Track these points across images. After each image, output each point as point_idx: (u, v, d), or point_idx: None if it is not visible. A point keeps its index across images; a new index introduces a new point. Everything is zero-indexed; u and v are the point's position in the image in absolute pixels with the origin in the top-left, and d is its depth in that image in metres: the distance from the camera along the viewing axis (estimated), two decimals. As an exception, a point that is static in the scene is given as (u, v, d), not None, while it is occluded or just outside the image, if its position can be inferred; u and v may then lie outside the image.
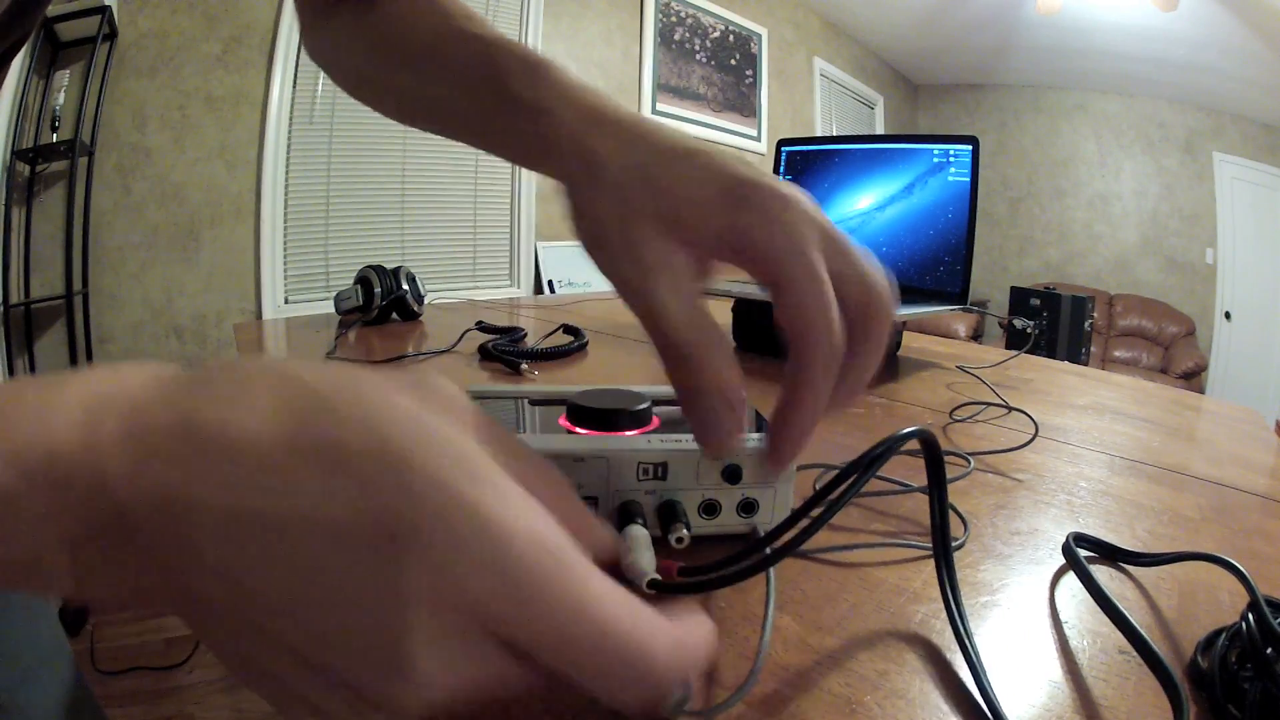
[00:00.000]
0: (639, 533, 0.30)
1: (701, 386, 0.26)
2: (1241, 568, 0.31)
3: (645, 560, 0.28)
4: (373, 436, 0.16)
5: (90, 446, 0.16)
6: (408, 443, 0.16)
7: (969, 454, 0.51)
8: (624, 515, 0.31)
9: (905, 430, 0.26)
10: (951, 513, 0.37)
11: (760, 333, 0.86)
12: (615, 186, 0.27)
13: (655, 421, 0.35)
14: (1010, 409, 0.67)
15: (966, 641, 0.26)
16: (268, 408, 0.16)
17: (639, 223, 0.26)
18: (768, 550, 0.26)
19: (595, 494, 0.32)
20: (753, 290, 0.84)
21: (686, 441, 0.32)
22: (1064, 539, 0.36)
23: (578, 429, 0.34)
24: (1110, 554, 0.36)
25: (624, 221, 0.27)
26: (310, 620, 0.15)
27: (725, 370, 0.26)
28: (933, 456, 0.28)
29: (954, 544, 0.35)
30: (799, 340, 0.26)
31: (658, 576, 0.27)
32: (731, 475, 0.32)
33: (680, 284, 0.26)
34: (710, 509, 0.32)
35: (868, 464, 0.26)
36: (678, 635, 0.17)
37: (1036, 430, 0.59)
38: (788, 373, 0.27)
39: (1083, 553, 0.35)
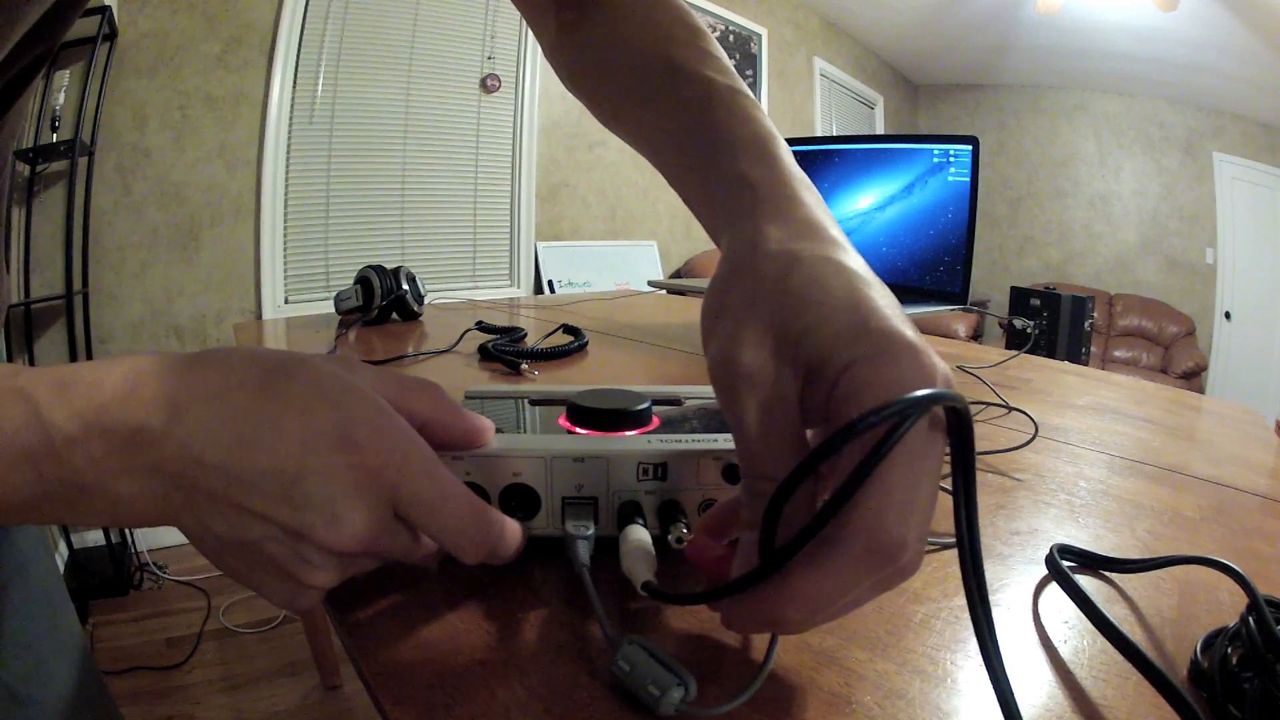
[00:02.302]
0: (639, 533, 0.30)
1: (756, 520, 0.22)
2: (1237, 568, 0.31)
3: (642, 565, 0.28)
4: (323, 390, 0.24)
5: (130, 410, 0.22)
6: (339, 393, 0.25)
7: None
8: (624, 515, 0.31)
9: (918, 395, 0.20)
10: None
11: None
12: (756, 276, 0.25)
13: (655, 421, 0.35)
14: (1010, 409, 0.67)
15: (990, 642, 0.22)
16: (253, 378, 0.24)
17: (754, 325, 0.24)
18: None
19: (595, 494, 0.31)
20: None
21: (686, 441, 0.32)
22: (1048, 550, 0.35)
23: (578, 429, 0.34)
24: (1095, 563, 0.36)
25: (740, 319, 0.25)
26: (291, 493, 0.23)
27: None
28: (961, 434, 0.21)
29: (950, 542, 0.35)
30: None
31: (653, 580, 0.27)
32: (731, 475, 0.32)
33: (772, 401, 0.23)
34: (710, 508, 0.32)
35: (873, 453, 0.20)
36: (497, 516, 0.27)
37: (1036, 430, 0.59)
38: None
39: (1068, 563, 0.34)
